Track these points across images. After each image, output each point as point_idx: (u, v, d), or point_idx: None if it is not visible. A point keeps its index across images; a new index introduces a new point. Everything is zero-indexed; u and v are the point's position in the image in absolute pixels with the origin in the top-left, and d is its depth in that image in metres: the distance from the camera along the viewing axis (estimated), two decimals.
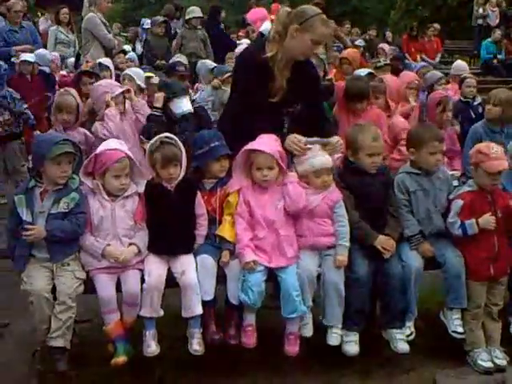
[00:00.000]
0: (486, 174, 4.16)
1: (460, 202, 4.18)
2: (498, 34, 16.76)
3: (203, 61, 9.20)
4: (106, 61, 7.52)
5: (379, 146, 4.19)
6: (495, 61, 16.38)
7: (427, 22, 18.55)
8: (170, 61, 8.55)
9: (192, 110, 5.51)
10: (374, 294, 4.19)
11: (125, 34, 15.75)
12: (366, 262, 4.04)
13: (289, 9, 4.29)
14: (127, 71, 6.94)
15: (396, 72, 7.57)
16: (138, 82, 6.52)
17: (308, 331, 4.03)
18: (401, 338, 4.10)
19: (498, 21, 19.31)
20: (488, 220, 4.11)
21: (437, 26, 16.81)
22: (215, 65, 8.90)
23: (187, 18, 10.98)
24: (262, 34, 4.80)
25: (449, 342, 4.25)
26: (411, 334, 4.16)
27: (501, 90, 5.81)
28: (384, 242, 4.06)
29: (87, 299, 3.97)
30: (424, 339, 4.33)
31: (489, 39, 16.82)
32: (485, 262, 4.18)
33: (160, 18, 11.77)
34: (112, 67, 7.39)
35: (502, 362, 4.15)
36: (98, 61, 7.60)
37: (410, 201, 4.25)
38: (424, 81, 7.45)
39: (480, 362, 4.13)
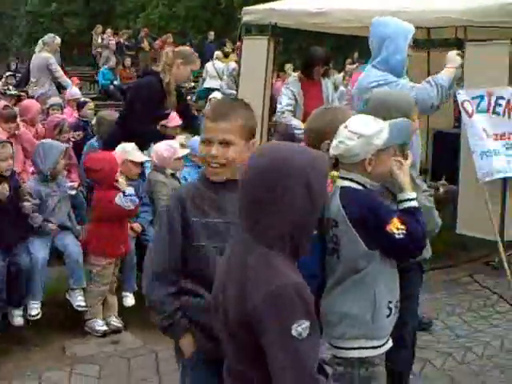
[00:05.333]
0: None
1: None
2: (112, 61, 18.13)
3: None
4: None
5: None
6: (112, 86, 17.40)
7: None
8: None
9: None
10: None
11: None
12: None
13: (172, 49, 6.32)
14: None
15: None
16: None
17: None
18: (18, 314, 4.88)
19: (115, 49, 21.00)
20: None
21: None
22: None
23: None
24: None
25: (75, 316, 5.17)
26: (38, 314, 4.91)
27: (107, 113, 7.07)
28: None
29: None
30: (55, 318, 5.20)
31: (105, 66, 17.97)
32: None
33: None
34: None
35: (117, 325, 5.19)
36: None
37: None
38: None
39: (98, 327, 5.10)
